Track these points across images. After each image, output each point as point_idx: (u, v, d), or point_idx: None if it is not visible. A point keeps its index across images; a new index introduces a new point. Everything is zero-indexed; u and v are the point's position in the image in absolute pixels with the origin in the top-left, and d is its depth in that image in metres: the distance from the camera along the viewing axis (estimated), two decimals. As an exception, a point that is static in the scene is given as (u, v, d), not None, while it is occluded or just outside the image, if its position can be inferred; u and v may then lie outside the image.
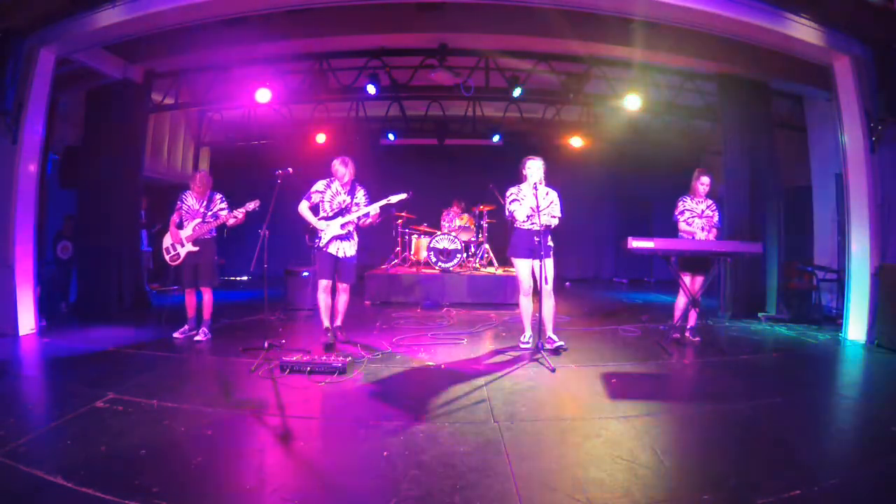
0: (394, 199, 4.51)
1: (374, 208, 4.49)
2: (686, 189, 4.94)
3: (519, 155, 4.54)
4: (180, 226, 4.77)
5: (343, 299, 4.64)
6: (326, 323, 4.56)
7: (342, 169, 4.53)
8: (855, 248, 5.11)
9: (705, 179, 4.84)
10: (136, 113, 6.74)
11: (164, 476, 2.14)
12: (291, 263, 6.60)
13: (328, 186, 4.56)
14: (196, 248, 4.72)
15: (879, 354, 4.49)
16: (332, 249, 4.49)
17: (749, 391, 3.46)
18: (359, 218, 4.51)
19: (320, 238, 4.50)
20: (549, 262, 4.22)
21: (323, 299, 4.53)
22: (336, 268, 4.53)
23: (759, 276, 6.29)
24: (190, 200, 4.79)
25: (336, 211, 4.53)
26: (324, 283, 4.51)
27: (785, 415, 2.99)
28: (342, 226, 4.49)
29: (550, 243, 4.29)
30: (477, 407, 3.04)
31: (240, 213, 4.65)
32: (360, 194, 4.58)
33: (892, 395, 3.48)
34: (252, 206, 4.62)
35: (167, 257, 4.80)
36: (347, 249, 4.53)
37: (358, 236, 4.66)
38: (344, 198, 4.53)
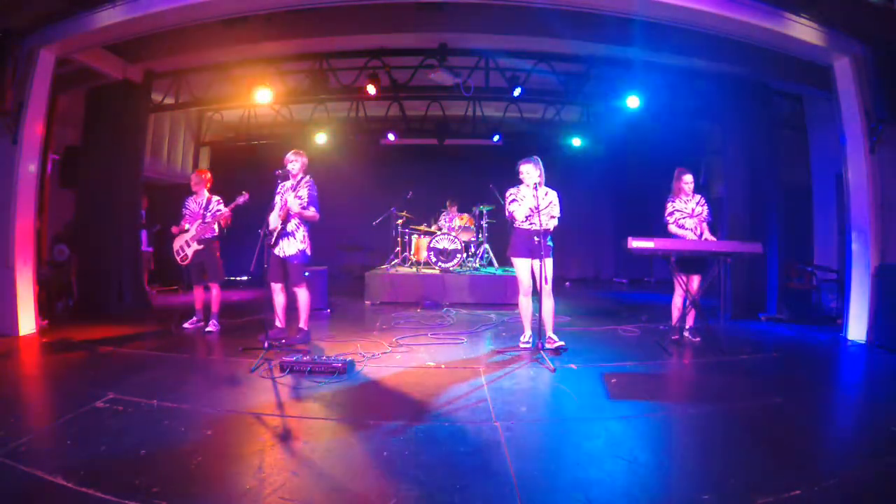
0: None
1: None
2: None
3: (519, 155, 4.53)
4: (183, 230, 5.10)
5: (301, 299, 4.53)
6: (277, 323, 4.64)
7: (297, 161, 4.44)
8: (855, 248, 5.11)
9: (688, 178, 4.76)
10: (136, 113, 6.73)
11: (164, 476, 2.14)
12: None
13: (281, 185, 4.55)
14: (201, 247, 5.04)
15: (879, 354, 4.50)
16: (276, 250, 4.46)
17: (749, 391, 3.46)
18: (292, 210, 4.35)
19: (272, 237, 4.47)
20: (549, 262, 4.22)
21: (275, 299, 4.61)
22: (284, 269, 4.49)
23: (759, 276, 6.29)
24: (192, 205, 5.13)
25: (279, 205, 4.48)
26: (273, 286, 4.55)
27: (785, 415, 2.99)
28: (282, 221, 4.42)
29: (550, 243, 4.29)
30: (477, 407, 3.03)
31: (225, 212, 4.98)
32: (303, 186, 4.46)
33: (892, 395, 3.48)
34: (241, 199, 4.80)
35: (178, 258, 5.17)
36: (286, 248, 4.45)
37: (307, 234, 4.52)
38: (289, 191, 4.47)
